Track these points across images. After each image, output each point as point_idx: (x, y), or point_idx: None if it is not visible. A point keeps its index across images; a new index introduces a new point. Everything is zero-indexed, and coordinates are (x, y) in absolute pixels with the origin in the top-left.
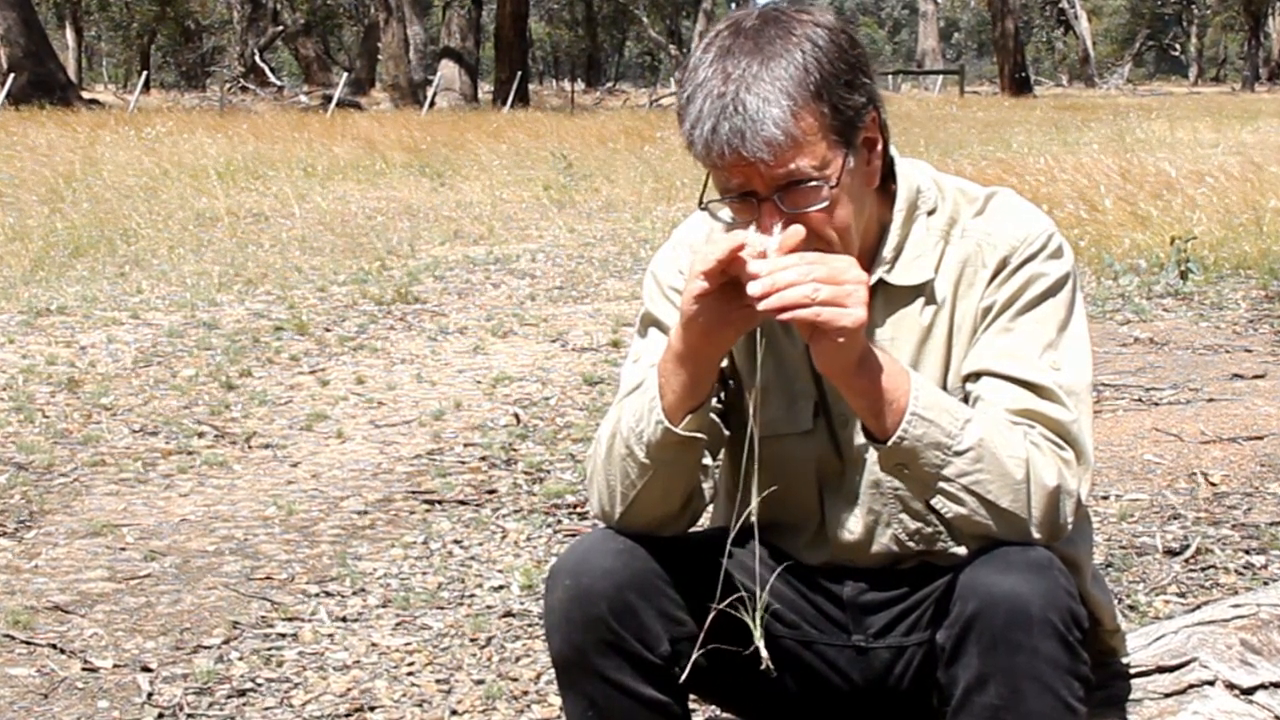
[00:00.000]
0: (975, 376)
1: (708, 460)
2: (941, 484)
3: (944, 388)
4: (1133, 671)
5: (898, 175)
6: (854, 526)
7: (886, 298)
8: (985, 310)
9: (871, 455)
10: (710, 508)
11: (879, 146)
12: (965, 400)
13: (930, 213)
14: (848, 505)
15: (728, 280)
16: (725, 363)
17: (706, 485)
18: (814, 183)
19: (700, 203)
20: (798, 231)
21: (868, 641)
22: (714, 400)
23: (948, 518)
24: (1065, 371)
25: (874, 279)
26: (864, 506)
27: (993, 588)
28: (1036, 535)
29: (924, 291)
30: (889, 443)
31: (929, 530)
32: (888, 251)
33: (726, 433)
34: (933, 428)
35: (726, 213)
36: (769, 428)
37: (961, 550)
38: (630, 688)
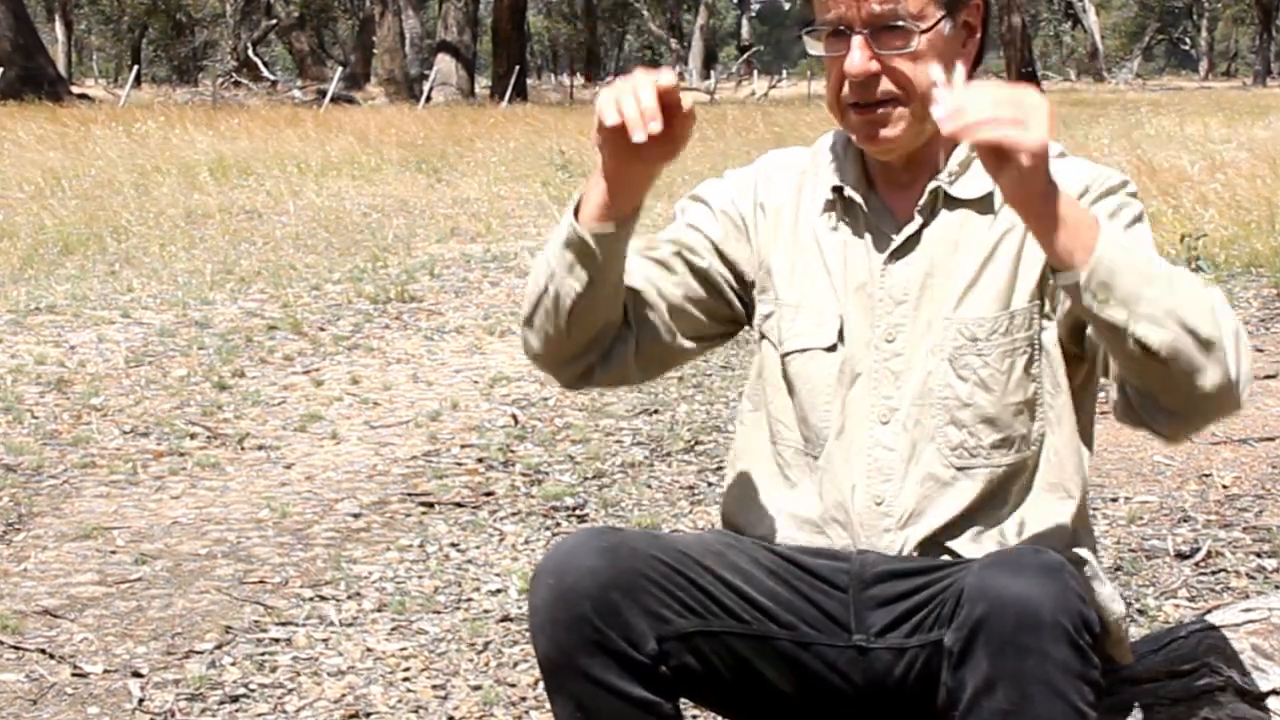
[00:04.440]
0: None
1: (652, 320)
2: (1144, 306)
3: (1008, 307)
4: (1142, 677)
5: None
6: (894, 443)
7: (949, 208)
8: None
9: (922, 366)
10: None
11: (976, 36)
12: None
13: None
14: (882, 421)
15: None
16: (756, 274)
17: (627, 350)
18: (906, 25)
19: (799, 33)
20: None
21: (869, 641)
22: (693, 279)
23: (1152, 347)
24: None
25: (934, 185)
26: (909, 417)
27: (1002, 590)
28: (1233, 374)
29: (987, 206)
30: (1093, 260)
31: (972, 443)
32: (953, 164)
33: (702, 319)
34: (1126, 253)
35: (818, 47)
36: (797, 341)
37: (970, 488)
38: (617, 687)
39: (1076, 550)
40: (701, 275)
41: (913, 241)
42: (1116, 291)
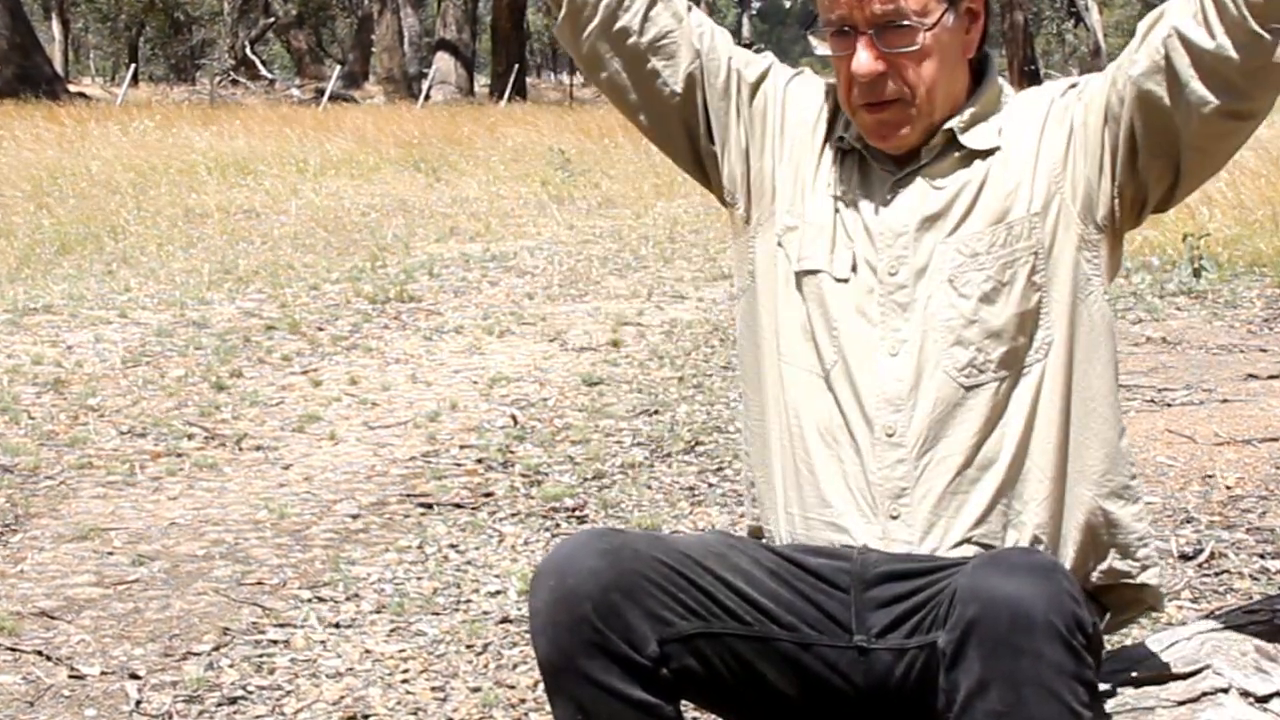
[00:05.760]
0: (1105, 91)
1: None
2: None
3: (1003, 220)
4: (1144, 679)
5: (989, 73)
6: (903, 373)
7: (957, 153)
8: (1061, 116)
9: (923, 294)
10: None
11: (980, 21)
12: (1104, 116)
13: (1004, 105)
14: (891, 354)
15: None
16: (781, 182)
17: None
18: (910, 24)
19: (808, 27)
20: None
21: (869, 642)
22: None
23: None
24: None
25: (948, 127)
26: (915, 347)
27: (994, 591)
28: None
29: (988, 156)
30: None
31: (980, 359)
32: (965, 115)
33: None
34: None
35: (824, 47)
36: (810, 261)
37: (979, 405)
38: (618, 690)
39: (1074, 461)
40: (735, 108)
41: (912, 176)
42: None
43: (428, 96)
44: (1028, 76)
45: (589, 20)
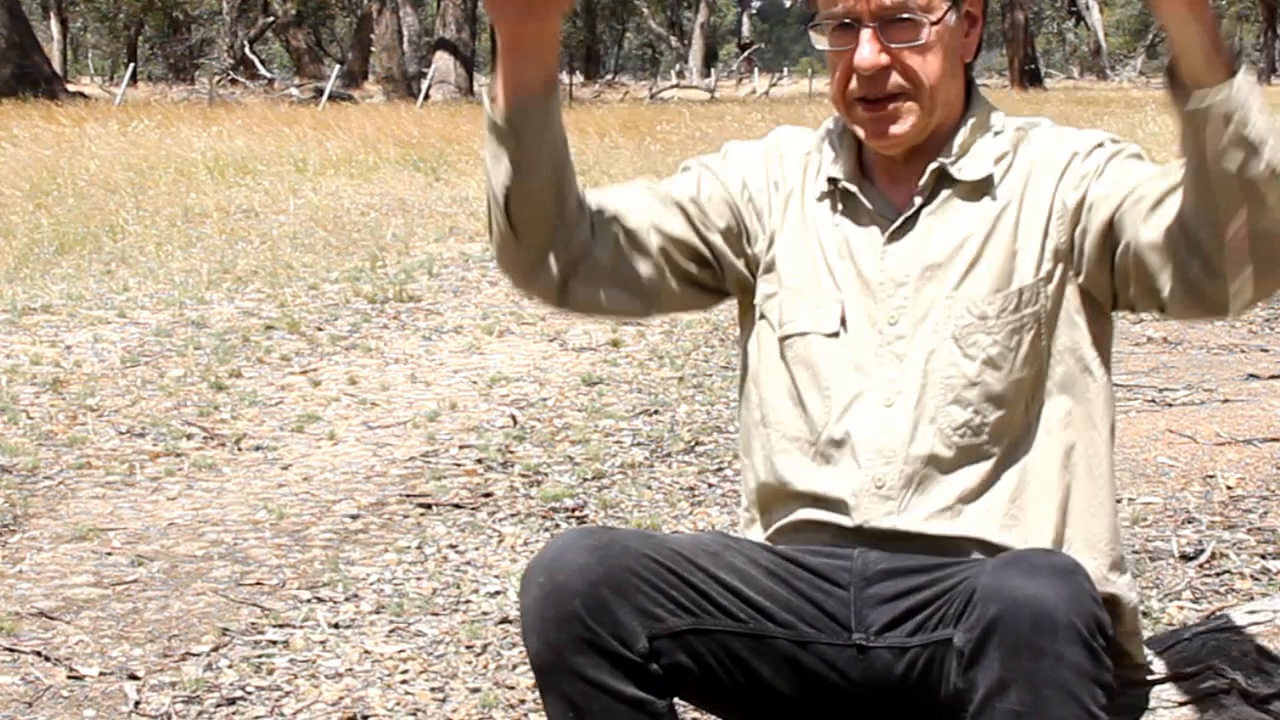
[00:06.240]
0: (1118, 203)
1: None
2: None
3: (1011, 284)
4: (1146, 680)
5: (975, 95)
6: (897, 425)
7: (949, 189)
8: (1077, 183)
9: (924, 346)
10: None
11: (978, 27)
12: (1109, 229)
13: (997, 133)
14: (887, 405)
15: None
16: (762, 253)
17: (596, 262)
18: (914, 17)
19: (808, 23)
20: None
21: (869, 640)
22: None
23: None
24: None
25: (936, 164)
26: (912, 399)
27: (1016, 591)
28: None
29: (986, 189)
30: (1235, 78)
31: (976, 421)
32: (955, 147)
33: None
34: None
35: (824, 41)
36: (796, 325)
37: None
38: (609, 686)
39: (1077, 530)
40: (700, 227)
41: (911, 222)
42: (1246, 116)
43: (427, 96)
44: (1028, 76)
45: (562, 287)
